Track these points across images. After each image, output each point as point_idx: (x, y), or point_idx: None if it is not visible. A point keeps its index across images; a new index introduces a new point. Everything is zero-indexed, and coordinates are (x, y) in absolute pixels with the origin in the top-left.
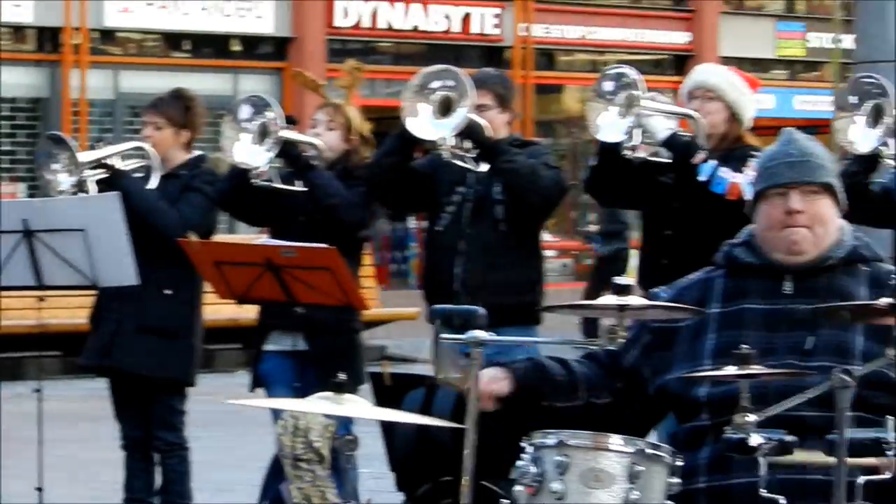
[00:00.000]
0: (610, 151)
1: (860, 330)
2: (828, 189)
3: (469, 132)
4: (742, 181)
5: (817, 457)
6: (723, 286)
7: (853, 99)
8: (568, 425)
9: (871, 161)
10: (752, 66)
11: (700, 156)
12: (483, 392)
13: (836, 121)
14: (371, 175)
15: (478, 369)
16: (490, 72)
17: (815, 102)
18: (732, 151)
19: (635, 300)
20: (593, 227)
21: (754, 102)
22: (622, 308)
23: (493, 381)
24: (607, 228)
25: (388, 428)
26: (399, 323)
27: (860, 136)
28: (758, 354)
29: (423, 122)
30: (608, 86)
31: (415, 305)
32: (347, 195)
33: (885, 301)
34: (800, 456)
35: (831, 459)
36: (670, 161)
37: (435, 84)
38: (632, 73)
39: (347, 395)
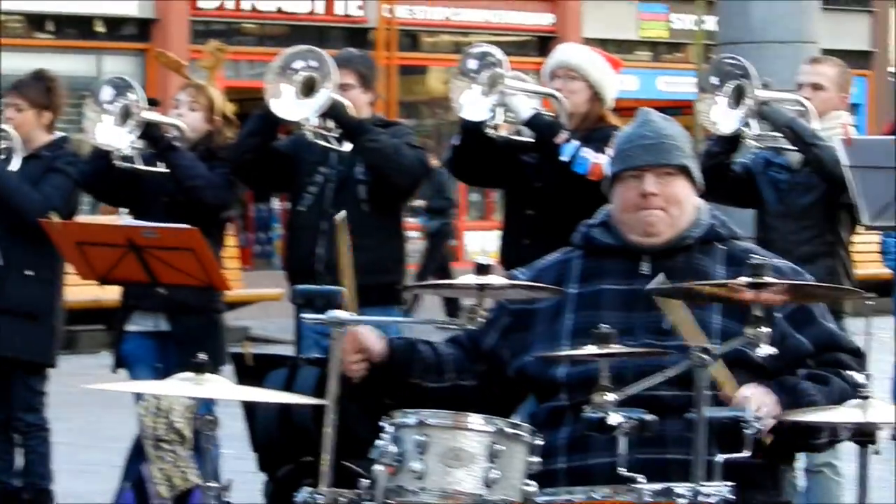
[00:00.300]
0: (472, 130)
1: (717, 309)
2: (683, 170)
3: (332, 112)
4: (604, 162)
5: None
6: (580, 267)
7: (715, 80)
8: (436, 406)
9: (732, 141)
10: (616, 48)
11: (562, 136)
12: (358, 346)
13: (698, 102)
14: (234, 155)
15: (338, 349)
16: (353, 52)
17: (678, 83)
18: (595, 131)
19: (495, 280)
20: (420, 203)
21: (617, 82)
22: (482, 288)
23: (371, 336)
24: (433, 205)
25: (249, 408)
26: (263, 304)
27: (722, 116)
28: (616, 334)
29: (286, 103)
30: (472, 64)
31: (278, 286)
32: (210, 176)
33: (742, 280)
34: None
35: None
36: (533, 140)
37: (298, 65)
38: (496, 52)
39: (208, 376)
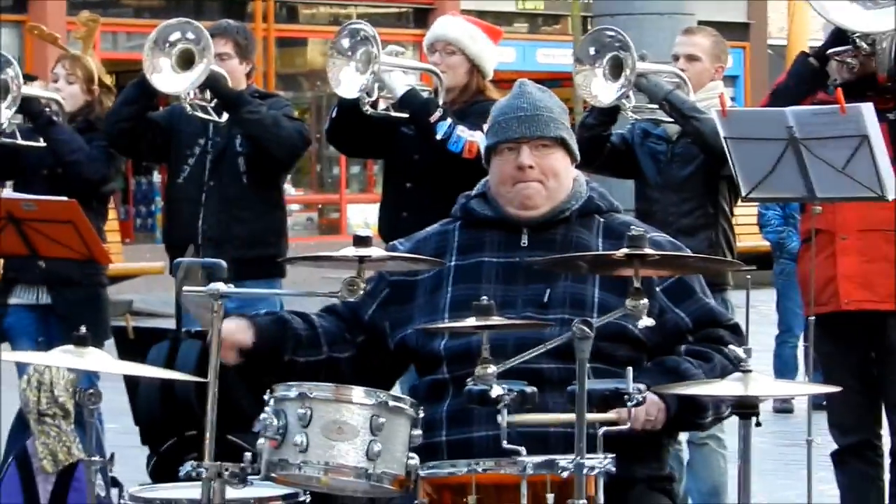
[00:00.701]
0: (349, 107)
1: (595, 282)
2: (560, 142)
3: (210, 83)
4: (479, 139)
5: (555, 417)
6: (459, 239)
7: (592, 51)
8: (312, 380)
9: (610, 113)
10: (494, 20)
11: (436, 114)
12: (225, 342)
13: (576, 74)
14: (108, 124)
15: (219, 322)
16: (229, 22)
17: (556, 56)
18: (474, 105)
19: (375, 252)
20: None
21: (496, 54)
22: (362, 260)
23: (236, 331)
24: None
25: (131, 383)
26: (146, 277)
27: (601, 88)
28: (495, 306)
29: (164, 75)
30: (346, 42)
31: (161, 260)
32: (89, 150)
33: (621, 252)
34: (538, 417)
35: (568, 417)
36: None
37: (175, 37)
38: (368, 28)
39: (90, 349)
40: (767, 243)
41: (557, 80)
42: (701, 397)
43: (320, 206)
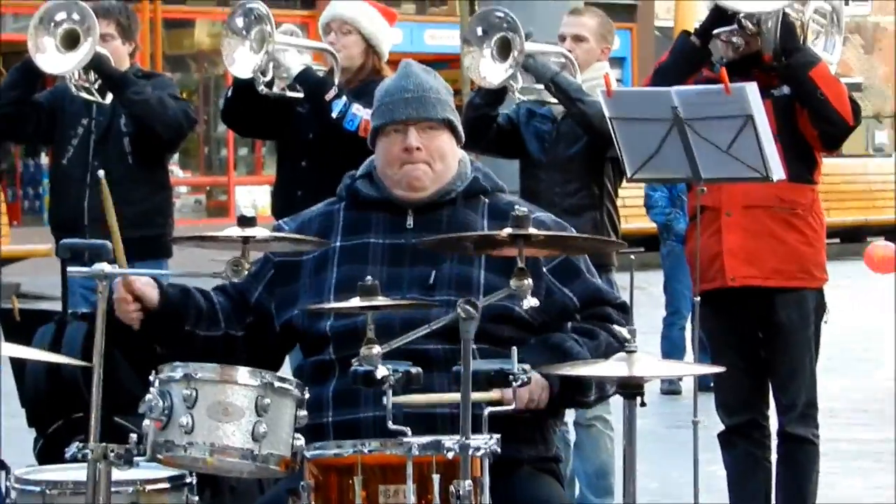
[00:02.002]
0: (244, 87)
1: (482, 264)
2: (446, 124)
3: (94, 64)
4: None
5: (440, 397)
6: (345, 219)
7: (480, 32)
8: (209, 356)
9: (497, 94)
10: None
11: (332, 92)
12: (134, 287)
13: (464, 55)
14: None
15: (104, 303)
16: (112, 3)
17: (444, 37)
18: (369, 84)
19: (259, 232)
20: None
21: (391, 35)
22: (246, 240)
23: (146, 285)
24: None
25: (18, 365)
26: (33, 260)
27: (489, 69)
28: (381, 287)
29: (49, 56)
30: (239, 22)
31: (48, 242)
32: None
33: (506, 231)
34: (423, 398)
35: (454, 396)
36: (304, 94)
37: (59, 17)
38: (261, 7)
39: None
40: (654, 225)
41: (445, 62)
42: (585, 377)
43: (208, 188)
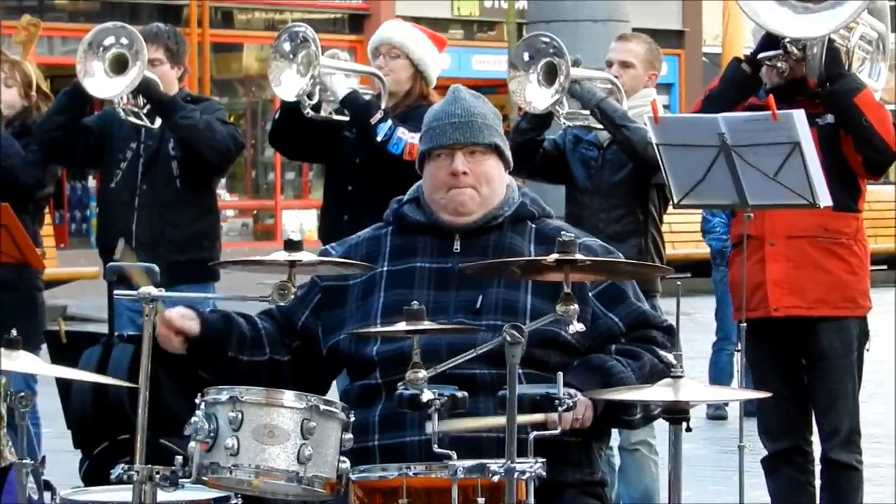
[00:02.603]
0: (291, 110)
1: (528, 289)
2: (493, 149)
3: (143, 88)
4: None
5: (483, 422)
6: (392, 244)
7: (526, 57)
8: (253, 380)
9: (543, 119)
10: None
11: (377, 116)
12: (172, 325)
13: (510, 80)
14: (42, 133)
15: (150, 326)
16: (160, 27)
17: (492, 62)
18: (416, 109)
19: (306, 256)
20: None
21: (440, 61)
22: (292, 264)
23: (185, 317)
24: None
25: (64, 386)
26: (80, 282)
27: (535, 94)
28: (427, 312)
29: (97, 80)
30: (287, 45)
31: (95, 265)
32: (24, 155)
33: (552, 257)
34: (467, 423)
35: (496, 421)
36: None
37: (108, 41)
38: (308, 31)
39: (20, 352)
40: (702, 251)
41: (493, 87)
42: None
43: (255, 211)
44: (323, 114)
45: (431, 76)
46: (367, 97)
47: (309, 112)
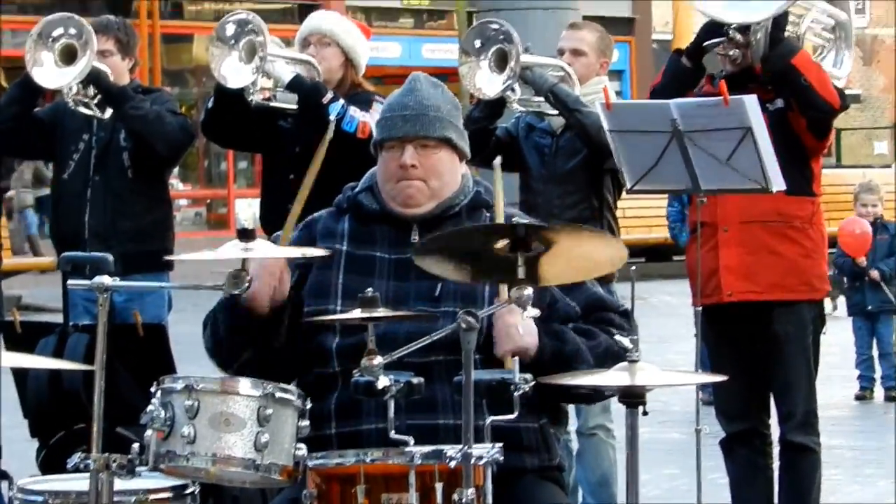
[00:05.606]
0: (231, 96)
1: None
2: (445, 142)
3: (92, 79)
4: (371, 120)
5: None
6: (350, 227)
7: (477, 44)
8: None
9: (495, 106)
10: (379, 15)
11: (328, 96)
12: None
13: (461, 66)
14: None
15: (105, 314)
16: (111, 18)
17: (442, 51)
18: (353, 97)
19: (260, 246)
20: None
21: (368, 49)
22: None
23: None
24: None
25: (20, 376)
26: (34, 273)
27: (486, 81)
28: (387, 302)
29: (46, 71)
30: (230, 30)
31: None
32: None
33: (501, 243)
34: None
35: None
36: (291, 106)
37: (57, 32)
38: (254, 18)
39: None
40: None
41: (443, 76)
42: (572, 346)
43: (208, 200)
44: (259, 99)
45: (361, 64)
46: (309, 80)
47: (253, 99)
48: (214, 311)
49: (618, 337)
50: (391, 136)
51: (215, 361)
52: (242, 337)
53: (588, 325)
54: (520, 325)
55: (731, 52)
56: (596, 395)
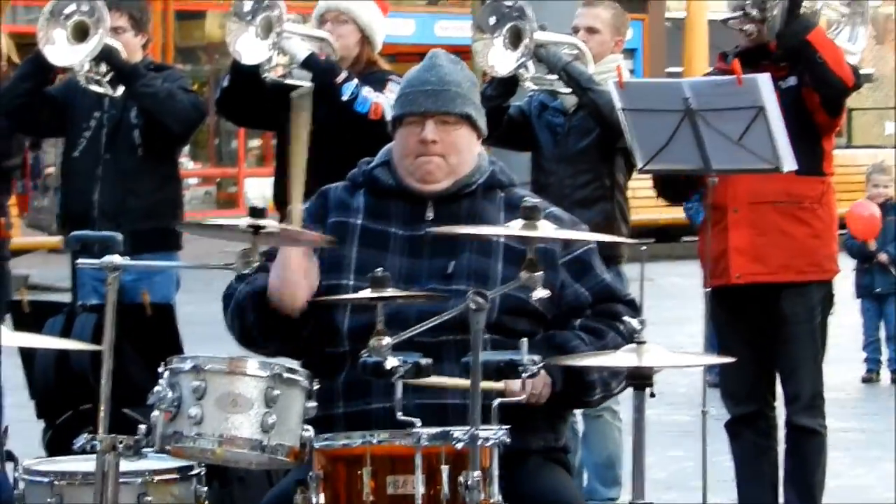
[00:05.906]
0: (248, 73)
1: (500, 256)
2: (465, 118)
3: (105, 56)
4: (384, 101)
5: (453, 381)
6: (366, 201)
7: (492, 21)
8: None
9: (509, 84)
10: None
11: (342, 76)
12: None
13: (475, 42)
14: (6, 101)
15: (114, 294)
16: None
17: (455, 28)
18: (368, 75)
19: (270, 223)
20: None
21: (385, 26)
22: (256, 231)
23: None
24: None
25: (27, 356)
26: (42, 252)
27: (499, 58)
28: (399, 279)
29: (58, 48)
30: (247, 7)
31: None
32: None
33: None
34: (434, 379)
35: (465, 382)
36: (305, 83)
37: (69, 9)
38: None
39: None
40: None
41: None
42: (590, 377)
43: (218, 179)
44: (274, 76)
45: (377, 41)
46: (324, 59)
47: (267, 76)
48: (238, 301)
49: (627, 319)
50: (412, 111)
51: (242, 345)
52: (274, 334)
53: (596, 322)
54: (537, 395)
55: (746, 27)
56: (603, 399)
